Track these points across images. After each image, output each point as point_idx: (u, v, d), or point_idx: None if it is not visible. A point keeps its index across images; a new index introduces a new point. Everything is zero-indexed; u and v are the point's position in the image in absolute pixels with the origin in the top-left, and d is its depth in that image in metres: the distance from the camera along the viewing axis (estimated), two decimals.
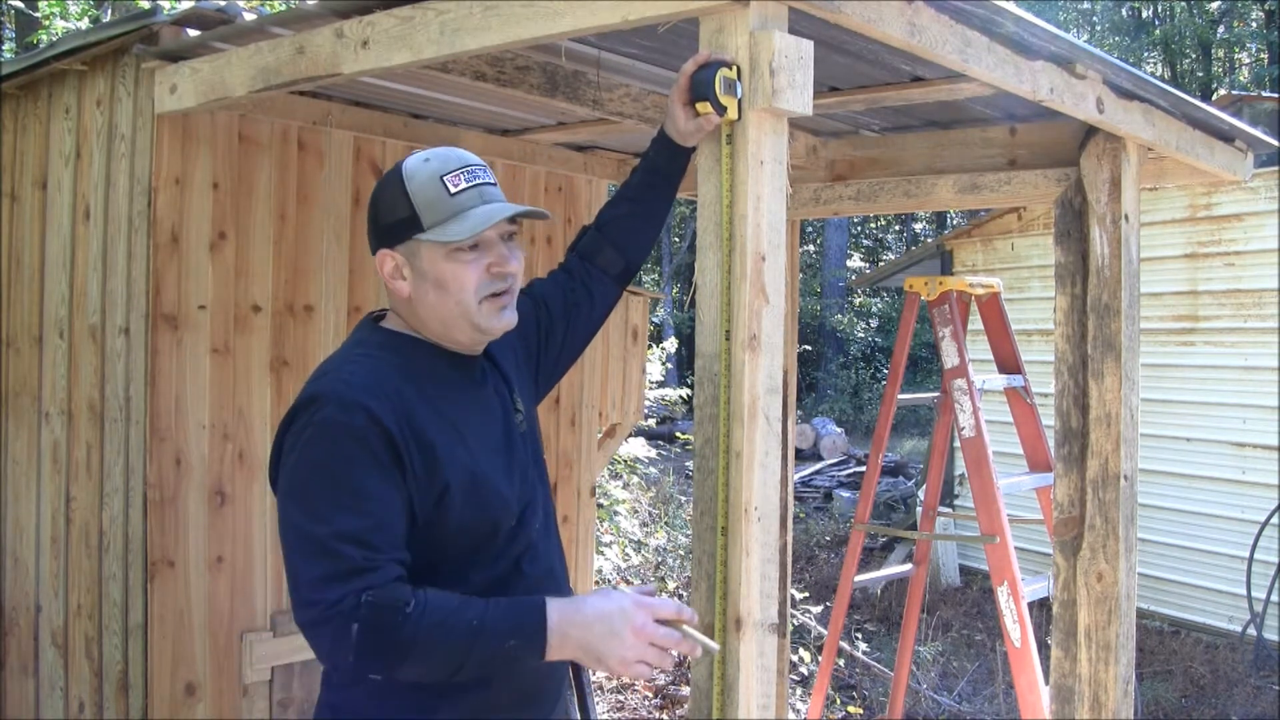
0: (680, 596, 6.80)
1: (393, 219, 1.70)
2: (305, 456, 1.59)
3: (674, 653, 1.58)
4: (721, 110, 1.62)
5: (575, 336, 2.09)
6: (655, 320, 17.98)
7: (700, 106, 1.66)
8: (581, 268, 2.10)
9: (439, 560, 1.65)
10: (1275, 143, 3.28)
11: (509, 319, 1.75)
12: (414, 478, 1.60)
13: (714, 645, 1.59)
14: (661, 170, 2.02)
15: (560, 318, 2.05)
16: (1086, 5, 20.97)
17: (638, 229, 2.11)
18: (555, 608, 1.55)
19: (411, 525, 1.61)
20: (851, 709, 5.57)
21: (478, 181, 1.71)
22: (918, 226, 24.37)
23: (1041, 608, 5.07)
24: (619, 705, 5.42)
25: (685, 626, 1.58)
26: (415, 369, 1.71)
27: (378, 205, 1.74)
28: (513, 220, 1.73)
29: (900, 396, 4.48)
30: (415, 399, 1.65)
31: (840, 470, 12.76)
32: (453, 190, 1.68)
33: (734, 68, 1.62)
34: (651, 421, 13.20)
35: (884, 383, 7.63)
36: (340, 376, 1.65)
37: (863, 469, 10.45)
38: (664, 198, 2.09)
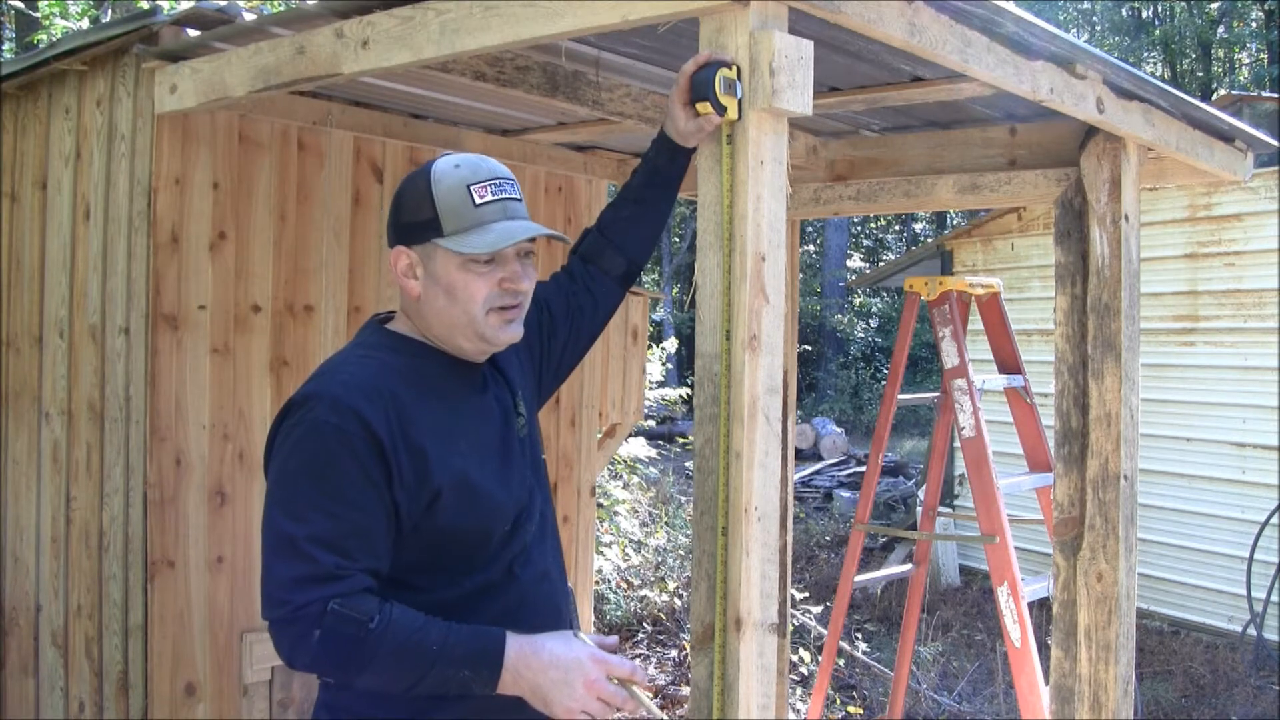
0: (680, 596, 6.80)
1: (414, 219, 1.70)
2: (292, 455, 1.60)
3: (618, 711, 1.61)
4: (721, 110, 1.62)
5: (578, 339, 2.09)
6: (655, 320, 17.98)
7: (700, 107, 1.66)
8: (583, 270, 2.10)
9: (430, 563, 1.66)
10: (1275, 143, 3.28)
11: (515, 332, 1.75)
12: (402, 484, 1.60)
13: (660, 715, 1.63)
14: (662, 171, 2.02)
15: (563, 320, 2.05)
16: (1086, 5, 20.97)
17: (639, 230, 2.11)
18: (514, 645, 1.58)
19: (398, 532, 1.62)
20: (851, 709, 5.57)
21: (503, 196, 1.71)
22: (918, 226, 24.37)
23: (1041, 608, 5.07)
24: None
25: (636, 689, 1.61)
26: (416, 373, 1.71)
27: (401, 202, 1.74)
28: (531, 239, 1.73)
29: (900, 396, 4.48)
30: (412, 403, 1.65)
31: (840, 470, 12.76)
32: (478, 201, 1.68)
33: (734, 68, 1.62)
34: (651, 421, 13.20)
35: (884, 383, 7.63)
36: (338, 378, 1.65)
37: (863, 469, 10.45)
38: (665, 198, 2.09)
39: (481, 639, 1.58)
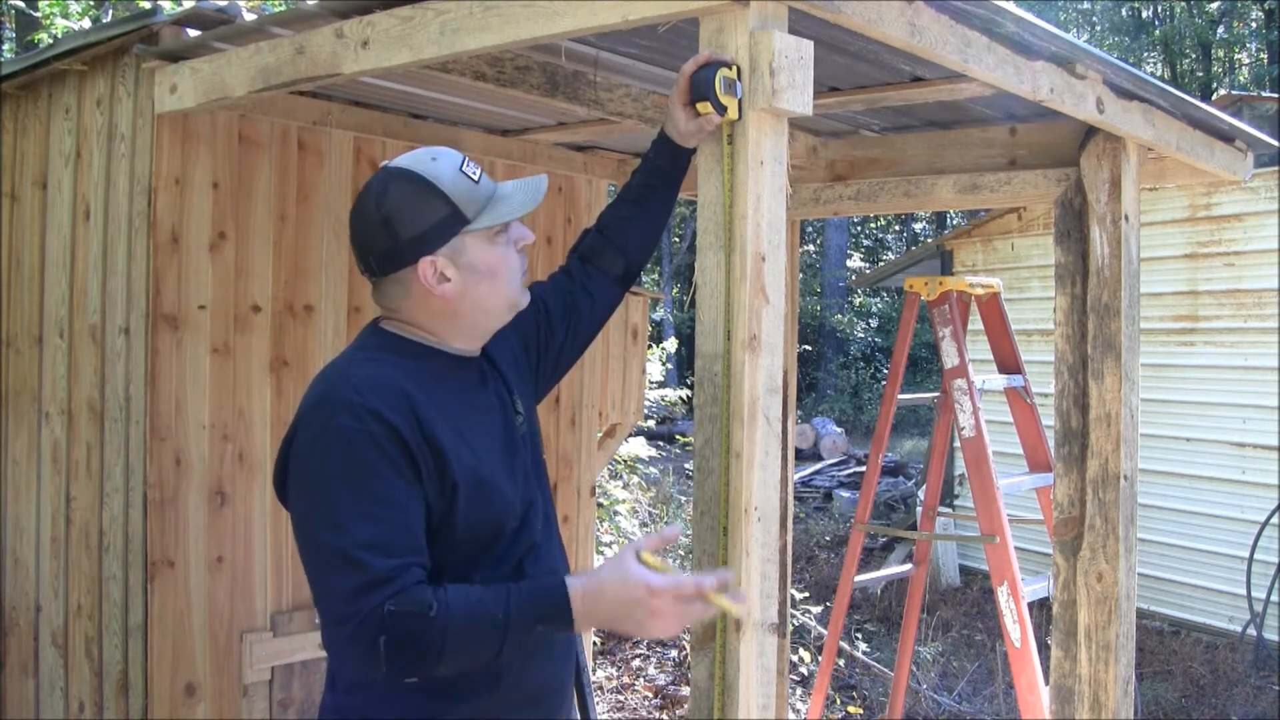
0: None
1: (428, 224, 1.67)
2: (322, 467, 1.58)
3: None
4: (722, 110, 1.62)
5: (576, 338, 2.08)
6: (655, 320, 17.98)
7: (701, 107, 1.65)
8: (582, 270, 2.10)
9: (446, 562, 1.65)
10: (1275, 143, 3.28)
11: (528, 295, 1.84)
12: (429, 479, 1.61)
13: (740, 603, 1.58)
14: (662, 171, 2.02)
15: (560, 320, 2.04)
16: (1086, 5, 20.97)
17: (639, 230, 2.10)
18: (576, 587, 1.56)
19: (427, 526, 1.62)
20: (851, 709, 5.57)
21: (479, 168, 1.76)
22: (918, 226, 24.37)
23: (1041, 608, 5.07)
24: (619, 705, 5.42)
25: (710, 595, 1.56)
26: (419, 371, 1.71)
27: (399, 220, 1.67)
28: None
29: (900, 396, 4.48)
30: (421, 401, 1.65)
31: (840, 470, 12.76)
32: (475, 178, 1.72)
33: (734, 68, 1.62)
34: (651, 421, 13.19)
35: (884, 383, 7.63)
36: (350, 382, 1.64)
37: (863, 469, 10.45)
38: (665, 199, 2.08)
39: (542, 592, 1.57)
